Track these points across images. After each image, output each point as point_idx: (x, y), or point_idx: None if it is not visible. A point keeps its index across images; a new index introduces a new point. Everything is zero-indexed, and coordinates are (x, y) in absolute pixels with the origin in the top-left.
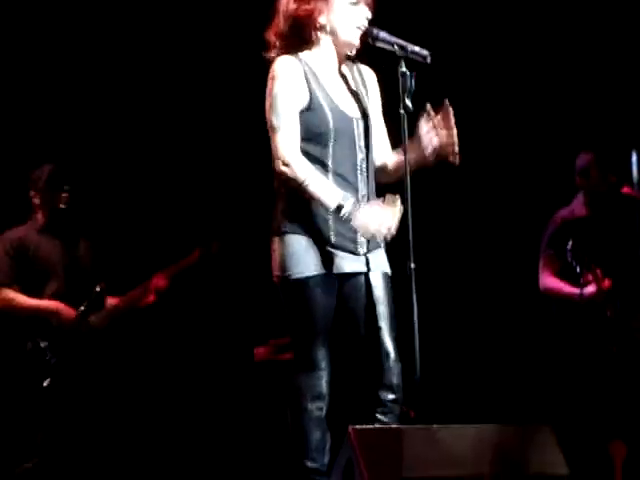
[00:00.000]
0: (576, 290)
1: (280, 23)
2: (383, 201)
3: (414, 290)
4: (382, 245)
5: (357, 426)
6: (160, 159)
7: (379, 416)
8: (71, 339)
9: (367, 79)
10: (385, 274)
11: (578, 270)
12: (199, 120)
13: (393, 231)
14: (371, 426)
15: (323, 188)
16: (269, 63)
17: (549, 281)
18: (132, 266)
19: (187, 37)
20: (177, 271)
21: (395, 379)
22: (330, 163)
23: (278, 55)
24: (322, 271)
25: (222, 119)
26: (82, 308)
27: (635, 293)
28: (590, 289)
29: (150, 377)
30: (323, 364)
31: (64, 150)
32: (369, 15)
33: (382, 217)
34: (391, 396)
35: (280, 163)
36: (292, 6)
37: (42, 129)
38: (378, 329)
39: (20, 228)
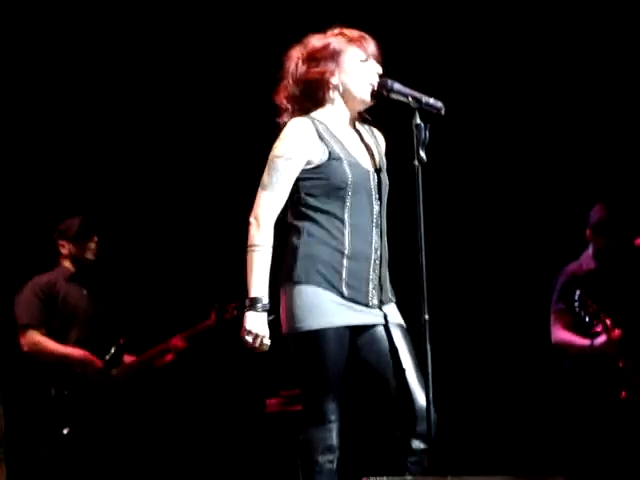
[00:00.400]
0: (587, 341)
1: (290, 86)
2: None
3: (428, 341)
4: (394, 300)
5: (371, 477)
6: (184, 220)
7: (410, 466)
8: (94, 389)
9: (379, 139)
10: (401, 326)
11: (587, 320)
12: (218, 181)
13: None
14: (384, 477)
15: (260, 270)
16: (282, 127)
17: (560, 334)
18: (150, 325)
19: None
20: (195, 333)
21: (428, 428)
22: (347, 217)
23: (291, 118)
24: (335, 324)
25: (238, 175)
26: (107, 357)
27: None
28: (600, 339)
29: (164, 429)
30: (333, 417)
31: (92, 203)
32: (379, 70)
33: (261, 334)
34: (423, 445)
35: (252, 215)
36: (302, 69)
37: (67, 178)
38: (404, 377)
39: (49, 274)
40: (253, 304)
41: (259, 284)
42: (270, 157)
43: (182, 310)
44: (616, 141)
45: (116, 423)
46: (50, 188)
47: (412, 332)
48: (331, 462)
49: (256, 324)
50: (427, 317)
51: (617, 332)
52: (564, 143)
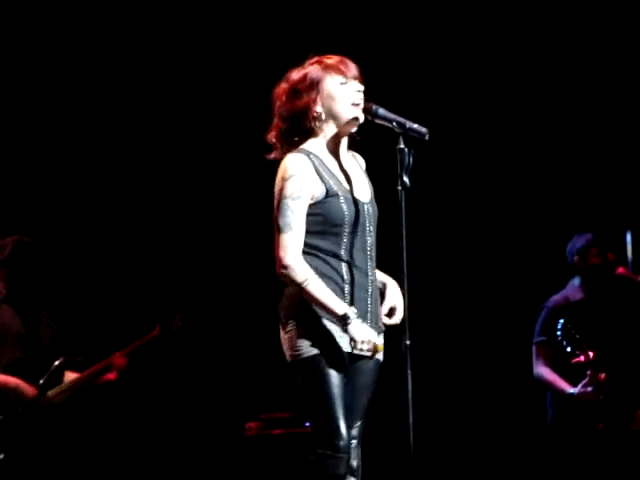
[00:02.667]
0: (567, 387)
1: (280, 124)
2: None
3: (409, 366)
4: (383, 329)
5: None
6: (118, 235)
7: None
8: (28, 415)
9: (361, 165)
10: (378, 362)
11: (569, 350)
12: (158, 195)
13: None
14: None
15: (326, 293)
16: (276, 163)
17: (542, 371)
18: (93, 340)
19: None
20: (136, 348)
21: (356, 462)
22: (343, 252)
23: (284, 154)
24: (334, 349)
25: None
26: (41, 382)
27: (633, 379)
28: (581, 390)
29: (139, 452)
30: (345, 435)
31: (28, 223)
32: (361, 88)
33: (369, 337)
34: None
35: (279, 265)
36: (286, 105)
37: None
38: (354, 412)
39: None
40: (346, 318)
41: (336, 302)
42: (277, 199)
43: (126, 324)
44: (596, 173)
45: (55, 448)
46: None
47: (393, 356)
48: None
49: (361, 332)
50: (408, 342)
51: (602, 376)
52: (546, 173)
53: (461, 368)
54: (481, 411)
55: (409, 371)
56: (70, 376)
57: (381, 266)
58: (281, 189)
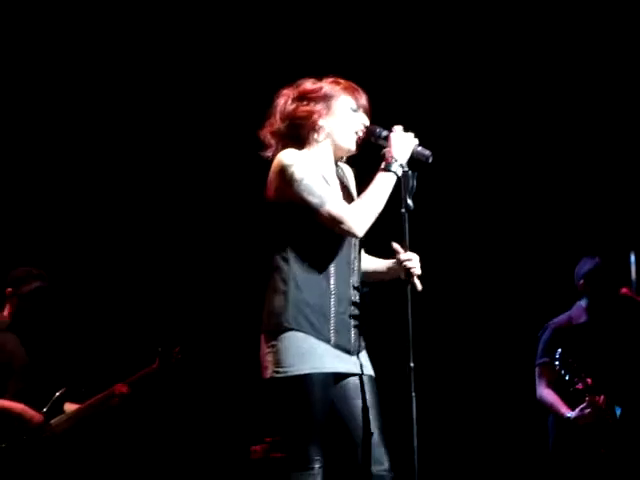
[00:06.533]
0: (567, 411)
1: (277, 122)
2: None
3: (413, 389)
4: (364, 345)
5: None
6: (119, 268)
7: None
8: (31, 443)
9: (349, 178)
10: (372, 377)
11: (567, 378)
12: (155, 225)
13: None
14: None
15: (376, 185)
16: (268, 161)
17: (544, 393)
18: (93, 371)
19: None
20: (138, 379)
21: None
22: (330, 262)
23: (274, 154)
24: (323, 369)
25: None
26: (44, 411)
27: (635, 401)
28: (580, 414)
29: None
30: (318, 461)
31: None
32: (367, 122)
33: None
34: None
35: (344, 221)
36: (291, 106)
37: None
38: (370, 435)
39: None
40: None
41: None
42: (294, 186)
43: (125, 356)
44: (600, 194)
45: (55, 478)
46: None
47: (397, 379)
48: None
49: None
50: (412, 365)
51: (601, 399)
52: (551, 194)
53: (465, 390)
54: (485, 434)
55: (413, 394)
56: (70, 407)
57: (385, 289)
58: (292, 174)
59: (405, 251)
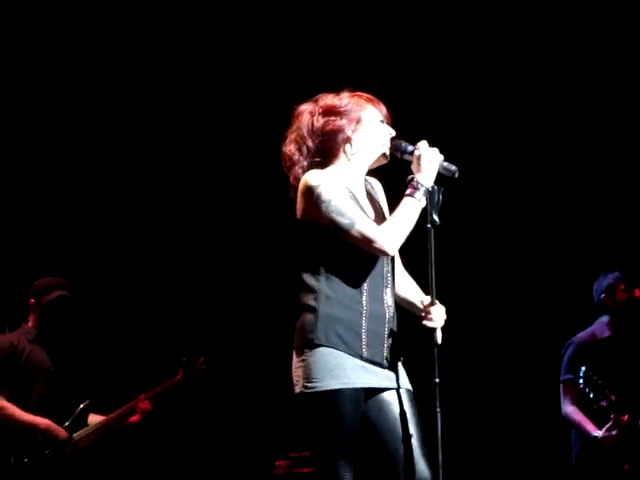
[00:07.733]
0: (593, 430)
1: (304, 138)
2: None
3: (438, 404)
4: (402, 358)
5: None
6: (143, 280)
7: None
8: (55, 458)
9: (379, 191)
10: (409, 391)
11: (592, 396)
12: (176, 233)
13: None
14: None
15: (403, 209)
16: (295, 179)
17: (570, 410)
18: (117, 383)
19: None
20: (161, 392)
21: None
22: (363, 279)
23: (301, 170)
24: (354, 385)
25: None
26: (67, 424)
27: None
28: (606, 434)
29: None
30: (348, 478)
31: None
32: (393, 133)
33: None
34: None
35: (378, 242)
36: (319, 122)
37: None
38: (410, 446)
39: (11, 335)
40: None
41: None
42: (322, 208)
43: (150, 366)
44: (620, 207)
45: None
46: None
47: (423, 395)
48: None
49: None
50: (438, 380)
51: (625, 418)
52: (571, 210)
53: (489, 407)
54: (509, 449)
55: (438, 410)
56: (94, 419)
57: None
58: (318, 196)
59: (432, 299)
